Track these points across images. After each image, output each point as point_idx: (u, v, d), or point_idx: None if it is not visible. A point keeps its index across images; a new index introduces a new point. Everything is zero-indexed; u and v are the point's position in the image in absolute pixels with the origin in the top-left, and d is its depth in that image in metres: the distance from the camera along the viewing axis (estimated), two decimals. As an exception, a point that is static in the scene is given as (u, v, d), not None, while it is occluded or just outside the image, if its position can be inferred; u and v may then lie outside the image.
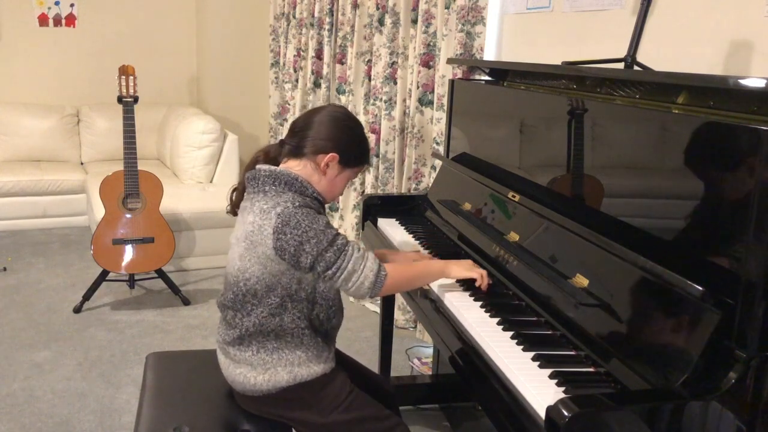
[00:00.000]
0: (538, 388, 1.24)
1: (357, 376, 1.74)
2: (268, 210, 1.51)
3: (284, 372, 1.56)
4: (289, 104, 4.83)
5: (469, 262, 1.73)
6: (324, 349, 1.62)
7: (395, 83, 3.33)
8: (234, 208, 1.67)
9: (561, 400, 1.06)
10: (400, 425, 1.63)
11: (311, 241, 1.48)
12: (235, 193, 1.67)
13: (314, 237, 1.49)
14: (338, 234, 1.53)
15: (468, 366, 1.47)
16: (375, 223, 2.32)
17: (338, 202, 3.95)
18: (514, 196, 1.85)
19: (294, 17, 4.69)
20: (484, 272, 1.68)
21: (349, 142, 1.62)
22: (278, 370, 1.56)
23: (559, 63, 1.85)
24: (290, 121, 4.10)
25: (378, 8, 3.45)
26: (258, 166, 1.59)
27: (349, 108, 3.70)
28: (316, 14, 4.21)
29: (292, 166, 1.60)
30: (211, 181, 4.62)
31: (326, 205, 1.71)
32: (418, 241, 2.10)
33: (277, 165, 1.62)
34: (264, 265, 1.52)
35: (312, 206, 1.55)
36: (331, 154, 1.58)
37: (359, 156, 1.66)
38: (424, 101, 3.09)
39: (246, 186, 1.60)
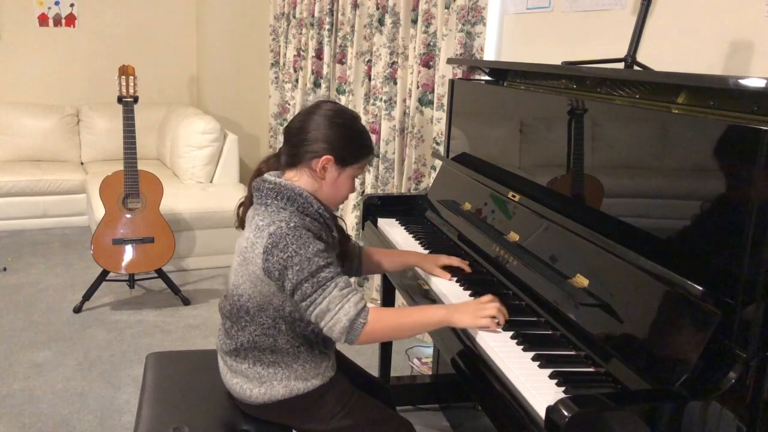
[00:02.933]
0: (538, 388, 1.24)
1: (356, 377, 1.74)
2: (263, 228, 1.45)
3: (280, 386, 1.54)
4: (289, 104, 4.83)
5: (474, 304, 1.50)
6: (323, 360, 1.58)
7: (395, 83, 3.33)
8: (241, 222, 1.61)
9: (561, 400, 1.06)
10: (404, 425, 1.63)
11: (294, 268, 1.40)
12: (241, 208, 1.62)
13: (297, 264, 1.40)
14: (326, 266, 1.42)
15: (468, 366, 1.47)
16: (375, 223, 2.32)
17: (338, 202, 3.95)
18: (514, 196, 1.85)
19: (294, 17, 4.69)
20: (494, 312, 1.46)
21: (342, 141, 1.51)
22: (274, 384, 1.54)
23: (559, 63, 1.85)
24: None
25: (378, 8, 3.45)
26: (265, 176, 1.53)
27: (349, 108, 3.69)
28: (316, 14, 4.21)
29: (290, 177, 1.53)
30: (211, 181, 4.62)
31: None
32: (418, 241, 2.10)
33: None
34: (254, 284, 1.48)
35: (311, 228, 1.46)
36: (324, 157, 1.49)
37: (356, 152, 1.55)
38: (424, 101, 3.09)
39: (253, 194, 1.55)
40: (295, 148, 1.53)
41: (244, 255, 1.49)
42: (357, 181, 3.72)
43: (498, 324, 1.47)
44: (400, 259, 1.86)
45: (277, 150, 1.61)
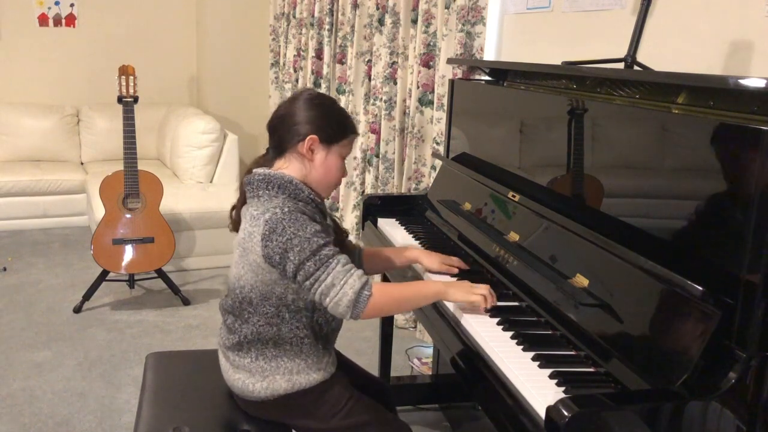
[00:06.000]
0: (538, 388, 1.24)
1: (356, 378, 1.74)
2: (258, 216, 1.47)
3: (282, 380, 1.54)
4: (289, 104, 4.82)
5: (467, 283, 1.59)
6: (324, 355, 1.60)
7: (395, 83, 3.33)
8: (236, 225, 1.63)
9: (561, 400, 1.06)
10: (403, 428, 1.63)
11: (294, 249, 1.42)
12: (234, 211, 1.64)
13: (298, 245, 1.42)
14: (325, 245, 1.45)
15: (468, 366, 1.47)
16: (375, 223, 2.32)
17: (338, 202, 3.95)
18: (514, 196, 1.85)
19: (294, 17, 4.69)
20: (485, 292, 1.54)
21: (323, 118, 1.55)
22: (276, 378, 1.54)
23: (559, 63, 1.85)
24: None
25: (378, 8, 3.45)
26: (254, 170, 1.56)
27: (349, 108, 3.70)
28: (316, 14, 4.21)
29: (280, 167, 1.56)
30: (211, 181, 4.62)
31: (326, 202, 1.66)
32: (418, 241, 2.10)
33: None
34: (256, 273, 1.49)
35: (305, 211, 1.49)
36: (309, 137, 1.52)
37: (340, 129, 1.57)
38: (424, 101, 3.09)
39: (245, 191, 1.57)
40: (279, 137, 1.57)
41: (243, 246, 1.50)
42: (357, 181, 3.73)
43: (486, 309, 1.54)
44: (402, 255, 1.85)
45: (265, 150, 1.64)
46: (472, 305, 1.55)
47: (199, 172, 4.54)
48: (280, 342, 1.54)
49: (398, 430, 1.61)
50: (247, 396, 1.58)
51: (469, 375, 1.46)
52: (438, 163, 2.91)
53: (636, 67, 1.72)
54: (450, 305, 1.64)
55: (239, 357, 1.58)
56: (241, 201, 1.61)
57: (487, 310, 1.56)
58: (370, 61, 3.61)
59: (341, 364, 1.70)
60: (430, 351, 3.02)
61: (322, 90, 4.19)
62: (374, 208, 2.37)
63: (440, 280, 1.66)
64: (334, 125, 1.57)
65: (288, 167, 1.56)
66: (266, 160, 1.61)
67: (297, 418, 1.59)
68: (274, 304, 1.51)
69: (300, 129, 1.53)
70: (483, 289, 1.55)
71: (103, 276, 3.42)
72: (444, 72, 2.87)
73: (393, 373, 2.63)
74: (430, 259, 1.81)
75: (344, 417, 1.57)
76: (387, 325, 2.52)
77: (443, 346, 1.62)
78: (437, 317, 1.66)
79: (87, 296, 3.42)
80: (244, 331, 1.55)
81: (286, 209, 1.46)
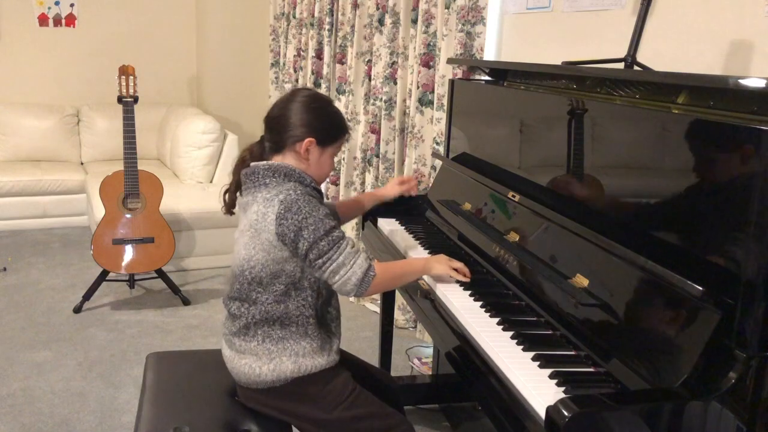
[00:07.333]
0: (538, 388, 1.24)
1: (361, 374, 1.75)
2: (272, 198, 1.54)
3: (289, 362, 1.57)
4: (289, 104, 4.82)
5: (443, 256, 1.75)
6: (327, 341, 1.64)
7: (395, 83, 3.33)
8: (229, 208, 1.71)
9: (561, 400, 1.06)
10: (404, 423, 1.64)
11: (309, 228, 1.51)
12: (228, 194, 1.70)
13: (312, 224, 1.51)
14: (336, 226, 1.56)
15: (468, 366, 1.47)
16: (375, 223, 2.32)
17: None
18: (514, 196, 1.85)
19: (294, 17, 4.69)
20: (459, 265, 1.72)
21: (321, 123, 1.63)
22: (283, 359, 1.58)
23: (559, 63, 1.85)
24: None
25: (378, 8, 3.45)
26: (254, 163, 1.62)
27: (349, 108, 3.70)
28: (316, 14, 4.21)
29: (277, 161, 1.63)
30: (211, 181, 4.62)
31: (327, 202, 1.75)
32: (418, 241, 2.10)
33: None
34: (268, 252, 1.54)
35: (313, 195, 1.58)
36: (307, 139, 1.60)
37: (334, 132, 1.67)
38: (424, 101, 3.09)
39: (244, 183, 1.62)
40: (278, 135, 1.64)
41: (255, 227, 1.55)
42: (357, 181, 3.74)
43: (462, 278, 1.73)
44: (356, 204, 2.15)
45: (259, 138, 1.70)
46: (451, 278, 1.72)
47: (199, 172, 4.55)
48: (287, 322, 1.58)
49: (399, 424, 1.63)
50: (254, 383, 1.59)
51: (469, 375, 1.46)
52: (438, 163, 2.91)
53: (636, 67, 1.72)
54: (446, 301, 1.65)
55: (245, 341, 1.60)
56: (235, 185, 1.68)
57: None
58: (370, 61, 3.61)
59: (347, 361, 1.73)
60: (430, 351, 3.02)
61: (322, 90, 4.19)
62: (374, 207, 2.37)
63: (424, 257, 1.80)
64: (329, 129, 1.66)
65: (284, 161, 1.62)
66: (261, 150, 1.67)
67: (301, 405, 1.60)
68: (283, 281, 1.56)
69: (298, 131, 1.61)
70: (458, 263, 1.73)
71: (103, 276, 3.42)
72: (444, 72, 2.87)
73: (393, 373, 2.63)
74: (385, 192, 2.17)
75: (347, 408, 1.59)
76: (387, 324, 2.52)
77: (443, 345, 1.62)
78: (437, 317, 1.66)
79: (87, 296, 3.42)
80: (252, 312, 1.59)
81: (299, 191, 1.55)
